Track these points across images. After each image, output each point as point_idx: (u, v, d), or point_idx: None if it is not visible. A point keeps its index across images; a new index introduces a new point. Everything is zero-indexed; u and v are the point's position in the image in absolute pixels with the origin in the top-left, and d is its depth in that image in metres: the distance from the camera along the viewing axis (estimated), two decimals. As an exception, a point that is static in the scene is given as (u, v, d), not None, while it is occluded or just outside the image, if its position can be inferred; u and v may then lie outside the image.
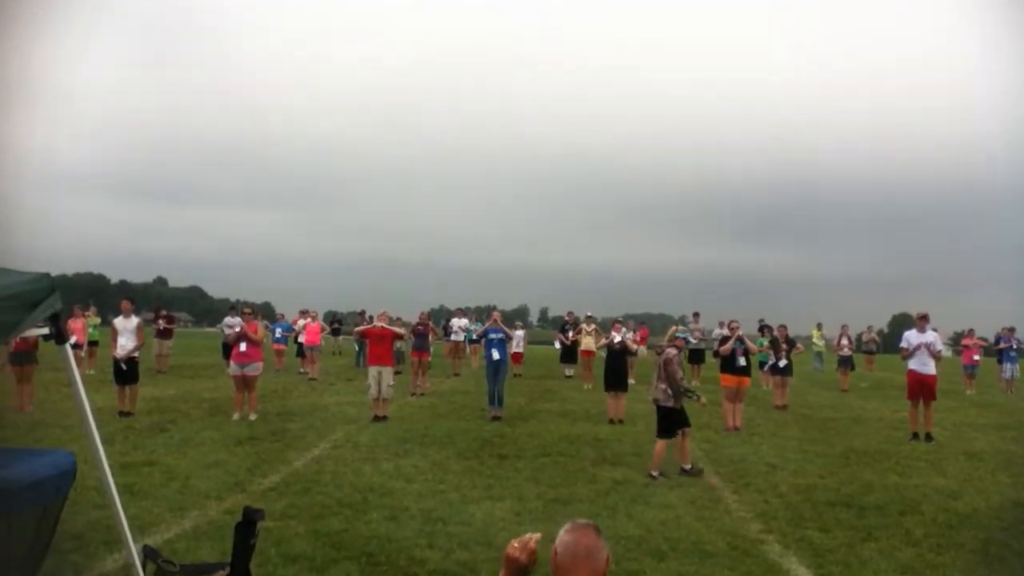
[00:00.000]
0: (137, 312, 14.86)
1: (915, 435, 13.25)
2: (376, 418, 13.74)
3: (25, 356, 14.19)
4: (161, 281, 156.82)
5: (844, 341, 25.28)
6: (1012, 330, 24.86)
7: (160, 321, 24.29)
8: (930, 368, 13.31)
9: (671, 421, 10.01)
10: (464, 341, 26.91)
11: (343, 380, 22.06)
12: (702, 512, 7.94)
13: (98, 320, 24.35)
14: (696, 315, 23.74)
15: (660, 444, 9.88)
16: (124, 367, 13.77)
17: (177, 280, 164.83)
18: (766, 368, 20.47)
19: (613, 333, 15.43)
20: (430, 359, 19.76)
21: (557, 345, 27.15)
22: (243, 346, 13.94)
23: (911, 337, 13.46)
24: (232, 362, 14.30)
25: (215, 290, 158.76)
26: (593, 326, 23.56)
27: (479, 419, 14.37)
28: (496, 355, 15.15)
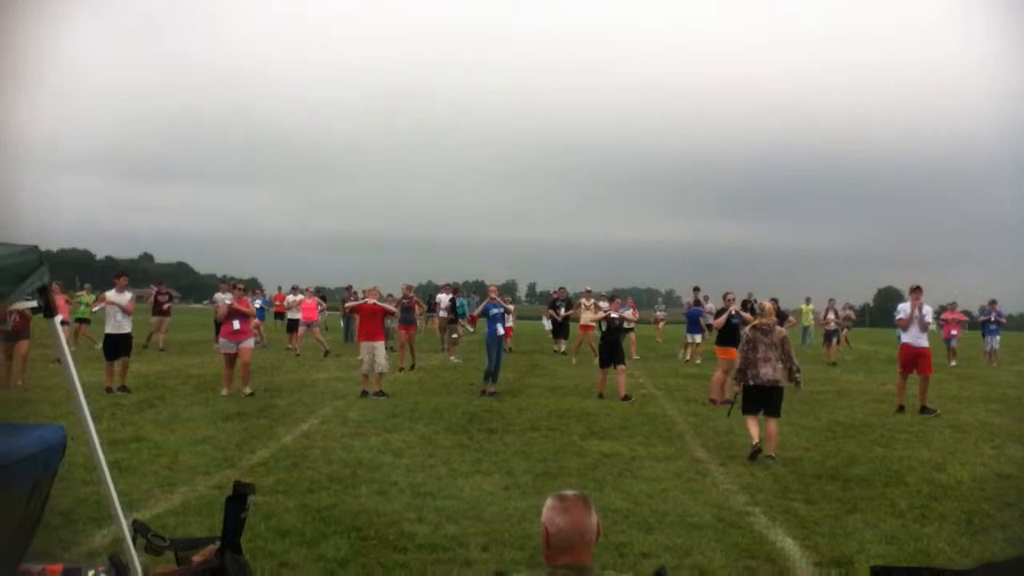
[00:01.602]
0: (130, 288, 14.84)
1: (901, 408, 13.35)
2: (365, 393, 13.75)
3: (20, 332, 14.16)
4: (147, 257, 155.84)
5: (831, 315, 25.52)
6: (994, 303, 25.11)
7: (158, 297, 23.99)
8: (923, 341, 13.37)
9: (777, 401, 9.51)
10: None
11: (331, 355, 22.06)
12: (689, 485, 8.00)
13: (92, 298, 24.08)
14: (696, 289, 23.34)
15: (772, 423, 9.38)
16: (116, 342, 13.81)
17: (163, 256, 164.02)
18: None
19: (610, 308, 15.27)
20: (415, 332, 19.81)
21: (547, 324, 27.17)
22: (236, 323, 13.91)
23: (905, 308, 13.45)
24: (224, 338, 14.24)
25: (202, 266, 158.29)
26: (592, 300, 23.68)
27: (468, 394, 14.41)
28: (499, 330, 15.12)
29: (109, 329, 13.98)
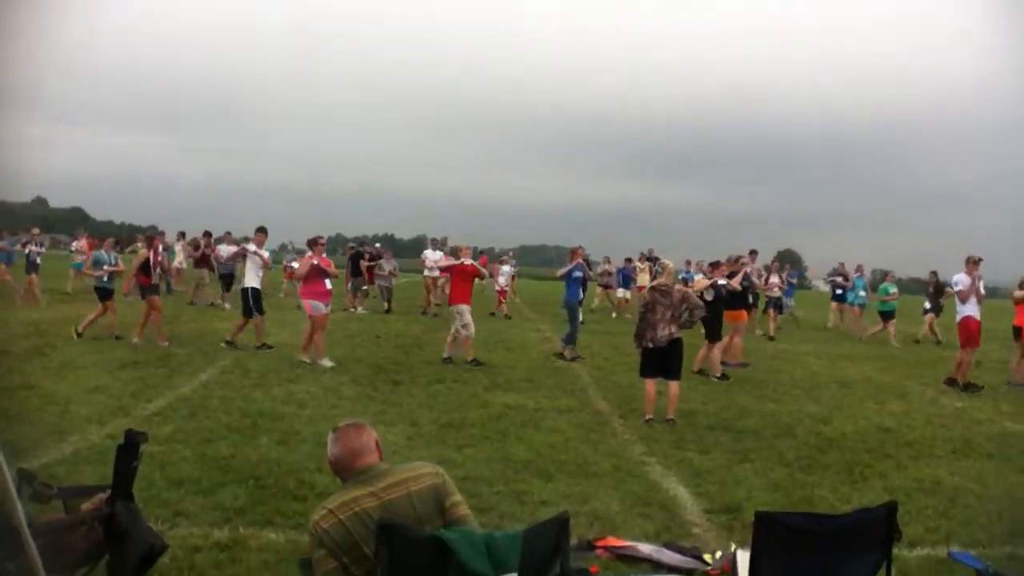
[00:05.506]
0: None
1: (955, 382, 12.61)
2: (475, 361, 12.61)
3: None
4: (40, 201, 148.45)
5: (774, 279, 20.82)
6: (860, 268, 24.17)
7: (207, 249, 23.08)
8: (979, 314, 12.56)
9: (677, 363, 9.24)
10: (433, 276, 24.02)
11: (235, 306, 21.54)
12: (589, 436, 8.19)
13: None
14: (753, 253, 17.90)
15: (674, 385, 9.15)
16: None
17: (58, 201, 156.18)
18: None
19: (714, 275, 13.38)
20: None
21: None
22: (328, 283, 12.74)
23: (963, 280, 12.47)
24: (315, 300, 12.44)
25: (98, 212, 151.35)
26: (646, 263, 24.27)
27: (373, 346, 14.34)
28: (580, 294, 14.79)
29: (255, 283, 13.55)
